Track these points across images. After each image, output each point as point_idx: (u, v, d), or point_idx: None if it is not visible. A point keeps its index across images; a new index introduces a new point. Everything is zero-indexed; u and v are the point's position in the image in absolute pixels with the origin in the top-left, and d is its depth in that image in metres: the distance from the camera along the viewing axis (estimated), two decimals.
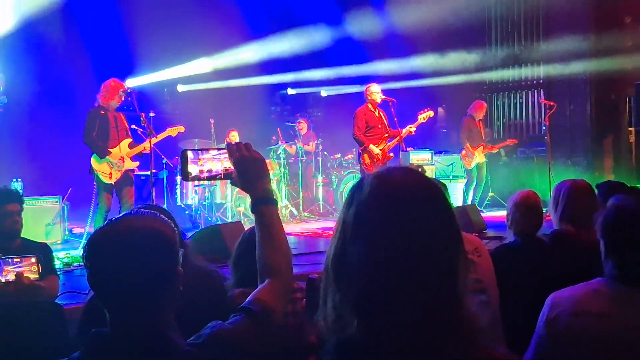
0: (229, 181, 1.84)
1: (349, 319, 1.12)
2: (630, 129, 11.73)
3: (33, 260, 3.34)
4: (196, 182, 9.59)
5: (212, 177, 1.83)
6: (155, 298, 1.44)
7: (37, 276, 3.31)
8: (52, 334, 2.14)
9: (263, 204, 1.75)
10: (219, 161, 1.81)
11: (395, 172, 1.19)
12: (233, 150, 1.77)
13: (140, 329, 1.42)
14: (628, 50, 11.46)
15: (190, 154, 1.82)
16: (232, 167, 1.79)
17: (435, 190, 1.18)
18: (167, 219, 1.56)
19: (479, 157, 10.33)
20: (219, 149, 1.83)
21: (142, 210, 1.59)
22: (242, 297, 2.47)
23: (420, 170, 1.24)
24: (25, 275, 3.28)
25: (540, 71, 13.28)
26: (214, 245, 5.45)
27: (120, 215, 1.53)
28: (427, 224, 1.12)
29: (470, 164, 10.39)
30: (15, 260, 3.33)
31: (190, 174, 1.82)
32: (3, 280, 3.23)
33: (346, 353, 1.13)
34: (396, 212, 1.12)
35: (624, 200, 2.07)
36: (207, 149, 1.86)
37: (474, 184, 10.43)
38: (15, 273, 3.25)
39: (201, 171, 1.81)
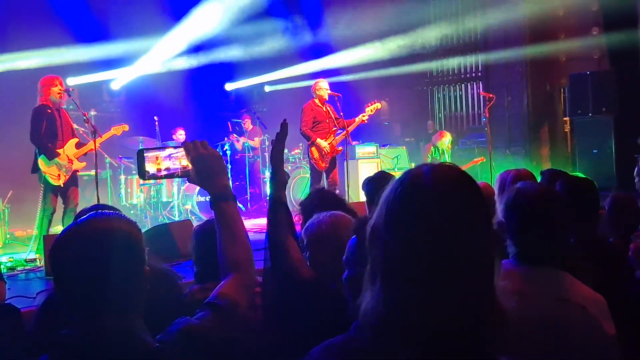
0: (179, 179, 1.88)
1: (391, 316, 1.15)
2: (565, 118, 12.19)
3: None
4: (141, 181, 9.50)
5: (169, 175, 1.86)
6: (123, 297, 1.45)
7: None
8: (9, 337, 2.11)
9: (222, 200, 1.78)
10: (176, 159, 1.83)
11: (449, 169, 1.22)
12: (190, 149, 1.79)
13: (109, 328, 1.43)
14: (562, 41, 11.87)
15: (147, 153, 1.82)
16: (189, 165, 1.80)
17: (480, 192, 1.21)
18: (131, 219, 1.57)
19: None
20: (175, 147, 1.84)
21: (106, 211, 1.59)
22: (201, 294, 2.50)
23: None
24: None
25: (479, 63, 13.60)
26: (163, 245, 5.41)
27: (86, 216, 1.52)
28: (478, 220, 1.17)
29: None
30: None
31: (148, 172, 1.83)
32: None
33: (382, 346, 1.16)
34: (449, 212, 1.15)
35: (526, 185, 2.17)
36: (164, 148, 1.88)
37: None
38: None
39: (159, 169, 1.83)
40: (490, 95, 10.27)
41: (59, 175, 6.57)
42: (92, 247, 1.43)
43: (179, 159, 1.83)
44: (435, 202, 1.16)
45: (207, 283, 2.60)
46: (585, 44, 11.50)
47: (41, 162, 6.56)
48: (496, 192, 3.63)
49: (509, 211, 2.09)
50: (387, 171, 6.88)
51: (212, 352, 1.54)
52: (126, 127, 7.36)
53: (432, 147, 11.17)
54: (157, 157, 1.82)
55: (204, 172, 1.78)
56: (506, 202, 2.12)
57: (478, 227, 1.17)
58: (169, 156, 1.83)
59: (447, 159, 10.93)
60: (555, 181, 3.16)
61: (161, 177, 1.87)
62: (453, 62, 13.93)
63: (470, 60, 13.74)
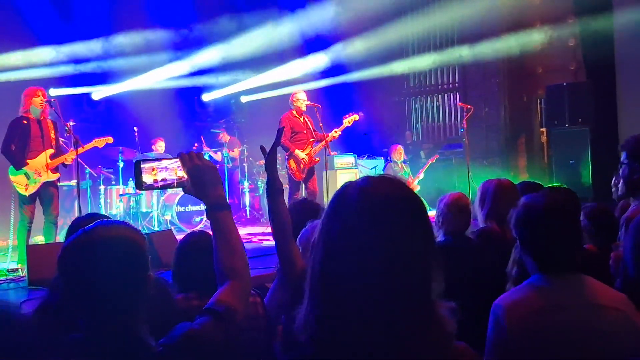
0: (167, 190, 1.92)
1: (329, 325, 1.17)
2: (542, 129, 12.36)
3: None
4: (121, 191, 9.45)
5: (165, 186, 1.89)
6: (129, 303, 1.52)
7: None
8: (5, 345, 2.12)
9: (218, 210, 1.82)
10: (172, 170, 1.87)
11: (379, 184, 1.24)
12: (186, 160, 1.83)
13: (115, 332, 1.48)
14: (538, 53, 12.05)
15: (144, 164, 1.86)
16: (185, 176, 1.84)
17: (417, 202, 1.24)
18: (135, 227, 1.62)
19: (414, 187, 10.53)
20: (171, 159, 1.88)
21: (111, 219, 1.64)
22: (185, 302, 2.52)
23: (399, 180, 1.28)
24: None
25: (457, 74, 13.75)
26: None
27: (92, 224, 1.57)
28: (410, 235, 1.19)
29: None
30: None
31: (145, 183, 1.86)
32: None
33: (321, 354, 1.18)
34: (381, 225, 1.17)
35: (533, 198, 2.24)
36: (160, 159, 1.91)
37: None
38: None
39: (155, 180, 1.86)
40: (468, 107, 10.41)
41: (26, 184, 6.57)
42: (100, 254, 1.49)
43: (175, 170, 1.86)
44: (359, 218, 1.18)
45: (190, 292, 2.62)
46: (561, 56, 11.68)
47: (10, 171, 6.61)
48: (477, 200, 3.69)
49: (523, 228, 2.17)
50: None
51: (213, 357, 1.58)
52: (110, 139, 7.39)
53: (390, 163, 11.26)
54: (153, 169, 1.86)
55: (199, 182, 1.82)
56: (517, 219, 2.19)
57: (407, 241, 1.18)
58: (165, 167, 1.87)
59: (406, 171, 11.02)
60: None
61: (158, 188, 1.90)
62: (430, 73, 14.06)
63: (447, 71, 13.88)
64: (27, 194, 6.56)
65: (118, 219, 9.13)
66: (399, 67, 13.53)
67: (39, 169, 6.62)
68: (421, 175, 10.95)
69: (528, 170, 12.49)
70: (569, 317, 1.97)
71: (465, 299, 2.48)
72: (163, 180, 1.87)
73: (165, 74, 11.65)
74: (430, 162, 11.06)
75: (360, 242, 1.16)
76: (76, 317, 1.51)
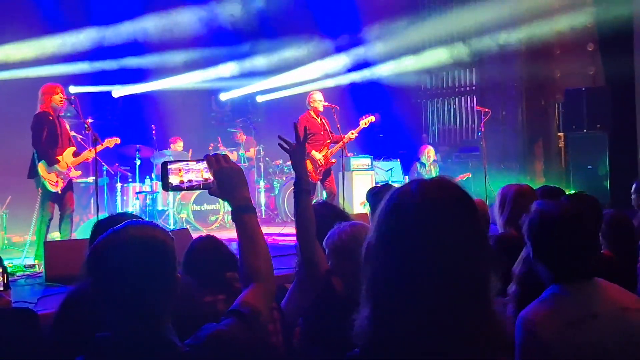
0: (199, 191, 1.94)
1: (387, 330, 1.16)
2: (559, 134, 12.26)
3: None
4: (138, 189, 9.51)
5: (192, 188, 1.91)
6: (157, 302, 1.53)
7: (2, 288, 3.24)
8: (29, 340, 2.17)
9: (244, 211, 1.83)
10: (198, 172, 1.89)
11: (436, 187, 1.24)
12: (212, 162, 1.85)
13: (142, 331, 1.50)
14: (557, 57, 11.97)
15: (170, 165, 1.89)
16: (211, 178, 1.86)
17: (472, 204, 1.24)
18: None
19: None
20: (198, 161, 1.90)
21: (142, 219, 1.65)
22: (211, 304, 2.53)
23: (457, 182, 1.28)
24: None
25: (474, 77, 13.69)
26: None
27: (122, 224, 1.59)
28: (467, 237, 1.19)
29: None
30: None
31: (171, 184, 1.89)
32: None
33: (381, 355, 1.17)
34: (439, 228, 1.16)
35: (547, 205, 2.21)
36: (187, 161, 1.94)
37: None
38: None
39: (182, 181, 1.89)
40: (486, 110, 10.34)
41: (57, 182, 6.60)
42: (129, 253, 1.51)
43: (201, 172, 1.89)
44: (422, 219, 1.17)
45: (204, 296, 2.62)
46: (580, 60, 11.61)
47: (41, 167, 6.56)
48: (496, 206, 3.66)
49: (536, 236, 2.15)
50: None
51: (238, 358, 1.60)
52: (118, 140, 7.43)
53: (417, 163, 11.22)
54: (180, 170, 1.89)
55: (225, 184, 1.84)
56: (531, 227, 2.16)
57: (469, 243, 1.18)
58: (192, 169, 1.89)
59: (434, 172, 10.96)
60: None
61: (184, 189, 1.93)
62: (447, 76, 14.01)
63: (465, 74, 13.82)
64: (58, 190, 6.59)
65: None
66: (415, 68, 13.50)
67: (67, 166, 6.67)
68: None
69: (545, 175, 12.38)
70: (603, 324, 1.97)
71: None
72: (189, 181, 1.89)
73: (186, 78, 11.78)
74: (460, 178, 10.73)
75: (419, 245, 1.16)
76: (103, 316, 1.52)
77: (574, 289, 2.07)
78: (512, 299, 2.46)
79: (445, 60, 13.23)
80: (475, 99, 13.63)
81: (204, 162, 1.87)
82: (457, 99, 14.15)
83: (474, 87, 13.78)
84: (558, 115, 12.21)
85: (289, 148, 2.59)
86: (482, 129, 10.46)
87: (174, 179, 1.88)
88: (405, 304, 1.15)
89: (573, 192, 4.58)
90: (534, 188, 3.97)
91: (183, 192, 9.19)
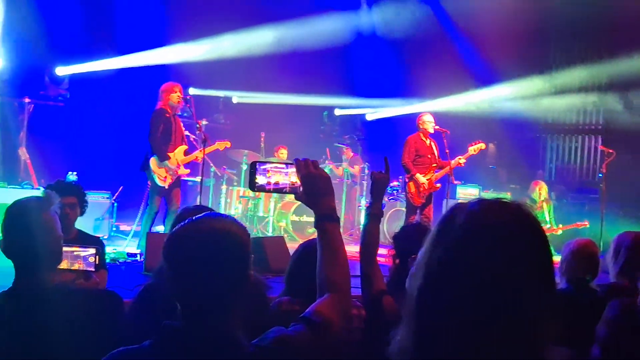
0: (286, 196, 1.91)
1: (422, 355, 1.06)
2: None
3: (92, 251, 3.33)
4: (242, 193, 9.70)
5: (277, 190, 1.90)
6: (228, 297, 1.51)
7: (93, 268, 3.33)
8: (111, 322, 2.23)
9: (327, 220, 1.80)
10: (286, 175, 1.87)
11: (493, 208, 1.09)
12: (301, 167, 1.83)
13: (211, 325, 1.48)
14: None
15: (259, 166, 1.88)
16: (298, 182, 1.84)
17: (535, 234, 1.07)
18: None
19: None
20: (287, 164, 1.89)
21: (220, 213, 1.67)
22: (288, 306, 2.62)
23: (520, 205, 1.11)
24: (82, 265, 3.26)
25: (600, 116, 12.96)
26: (255, 257, 5.40)
27: (201, 215, 1.58)
28: (521, 270, 1.03)
29: None
30: (74, 249, 3.29)
31: (257, 184, 1.88)
32: (71, 267, 3.22)
33: None
34: (486, 256, 1.02)
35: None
36: (277, 162, 1.93)
37: None
38: (80, 264, 3.25)
39: (268, 183, 1.88)
40: (610, 151, 9.72)
41: (165, 177, 6.84)
42: (205, 244, 1.50)
43: (289, 175, 1.87)
44: (463, 245, 1.04)
45: (297, 298, 2.66)
46: None
47: (153, 162, 6.84)
48: (610, 253, 3.40)
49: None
50: None
51: None
52: (228, 144, 7.62)
53: (526, 200, 10.59)
54: (268, 171, 1.88)
55: (312, 191, 1.82)
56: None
57: (518, 277, 1.01)
58: (280, 171, 1.88)
59: (547, 213, 10.29)
60: None
61: (269, 191, 1.91)
62: (572, 112, 13.36)
63: (591, 112, 13.13)
64: (166, 185, 6.84)
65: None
66: (539, 103, 12.99)
67: (177, 163, 6.90)
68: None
69: None
70: None
71: (580, 352, 2.25)
72: (276, 183, 1.88)
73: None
74: (576, 226, 9.84)
75: (461, 272, 1.02)
76: (175, 304, 1.52)
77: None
78: None
79: (592, 103, 12.69)
80: (600, 138, 12.90)
81: (294, 166, 1.85)
82: (579, 137, 13.46)
83: (599, 127, 13.05)
84: None
85: (378, 173, 2.72)
86: (604, 170, 9.83)
87: (260, 179, 1.87)
88: (441, 334, 1.03)
89: None
90: None
91: (283, 199, 9.45)
